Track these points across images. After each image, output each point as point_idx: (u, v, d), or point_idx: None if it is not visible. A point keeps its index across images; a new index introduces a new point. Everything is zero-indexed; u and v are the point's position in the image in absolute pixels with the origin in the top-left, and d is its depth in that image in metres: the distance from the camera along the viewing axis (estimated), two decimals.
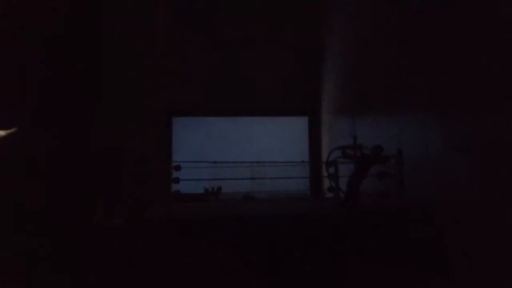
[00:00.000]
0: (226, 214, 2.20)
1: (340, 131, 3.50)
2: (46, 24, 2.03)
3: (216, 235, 1.75)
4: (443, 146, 1.55)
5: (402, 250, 1.77)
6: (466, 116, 1.40)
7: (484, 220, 1.28)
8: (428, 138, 1.68)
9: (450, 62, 1.51)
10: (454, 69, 1.47)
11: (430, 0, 1.69)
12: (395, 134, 2.07)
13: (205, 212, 2.19)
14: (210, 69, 4.34)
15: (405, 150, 1.94)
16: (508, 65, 1.16)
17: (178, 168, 3.66)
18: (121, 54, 4.21)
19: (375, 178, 2.15)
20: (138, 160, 2.66)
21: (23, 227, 1.63)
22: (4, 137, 1.63)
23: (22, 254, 1.55)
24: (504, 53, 1.18)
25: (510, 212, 1.14)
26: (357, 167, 2.18)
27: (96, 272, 1.68)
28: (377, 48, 2.44)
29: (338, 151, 2.60)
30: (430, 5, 1.68)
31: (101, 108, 3.88)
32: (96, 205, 2.24)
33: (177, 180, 3.86)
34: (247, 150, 4.31)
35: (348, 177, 2.23)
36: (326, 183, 2.97)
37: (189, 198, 3.89)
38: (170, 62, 4.30)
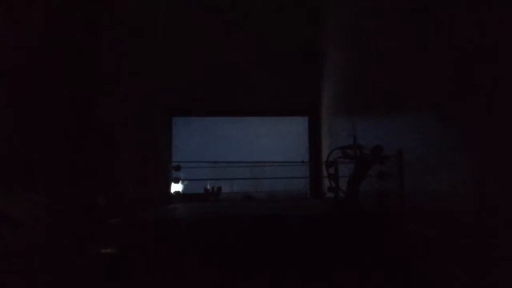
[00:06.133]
0: (226, 214, 2.20)
1: (340, 131, 3.50)
2: (44, 22, 2.03)
3: (216, 235, 1.75)
4: (443, 146, 1.55)
5: (401, 251, 1.77)
6: (466, 116, 1.40)
7: (483, 220, 1.28)
8: (428, 138, 1.68)
9: (450, 62, 1.51)
10: (454, 69, 1.47)
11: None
12: (395, 134, 2.07)
13: (205, 212, 2.19)
14: (210, 68, 4.34)
15: (405, 150, 1.94)
16: (508, 66, 1.16)
17: (178, 168, 3.66)
18: (121, 54, 4.22)
19: (375, 178, 2.15)
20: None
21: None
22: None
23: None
24: (504, 52, 1.18)
25: (510, 212, 1.14)
26: (357, 167, 2.18)
27: (95, 272, 1.68)
28: (377, 47, 2.44)
29: (338, 151, 2.60)
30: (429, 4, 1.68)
31: (102, 108, 3.89)
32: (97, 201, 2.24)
33: (177, 180, 3.87)
34: (247, 150, 4.30)
35: (348, 177, 2.23)
36: (326, 183, 2.97)
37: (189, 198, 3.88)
38: (170, 62, 4.30)
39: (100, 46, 4.07)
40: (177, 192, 3.86)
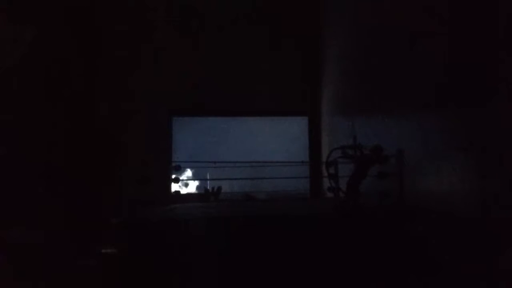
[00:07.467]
0: (226, 214, 2.20)
1: (340, 131, 3.50)
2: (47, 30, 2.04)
3: (216, 235, 1.75)
4: (443, 146, 1.55)
5: (401, 251, 1.77)
6: (466, 116, 1.39)
7: (483, 220, 1.28)
8: (428, 138, 1.68)
9: (449, 62, 1.51)
10: (454, 69, 1.47)
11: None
12: (395, 134, 2.07)
13: (205, 212, 2.19)
14: (210, 69, 4.34)
15: (405, 150, 1.94)
16: (507, 65, 1.16)
17: (178, 168, 3.66)
18: (121, 55, 4.22)
19: (375, 178, 2.15)
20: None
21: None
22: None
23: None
24: (504, 52, 1.18)
25: (509, 212, 1.14)
26: (357, 167, 2.18)
27: (95, 272, 1.68)
28: (377, 47, 2.44)
29: (338, 151, 2.60)
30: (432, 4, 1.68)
31: (102, 108, 3.89)
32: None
33: (177, 180, 3.87)
34: (247, 150, 4.30)
35: (348, 177, 2.23)
36: (326, 183, 2.97)
37: (189, 198, 3.89)
38: (170, 62, 4.30)
39: (101, 48, 4.08)
40: (177, 192, 3.87)
